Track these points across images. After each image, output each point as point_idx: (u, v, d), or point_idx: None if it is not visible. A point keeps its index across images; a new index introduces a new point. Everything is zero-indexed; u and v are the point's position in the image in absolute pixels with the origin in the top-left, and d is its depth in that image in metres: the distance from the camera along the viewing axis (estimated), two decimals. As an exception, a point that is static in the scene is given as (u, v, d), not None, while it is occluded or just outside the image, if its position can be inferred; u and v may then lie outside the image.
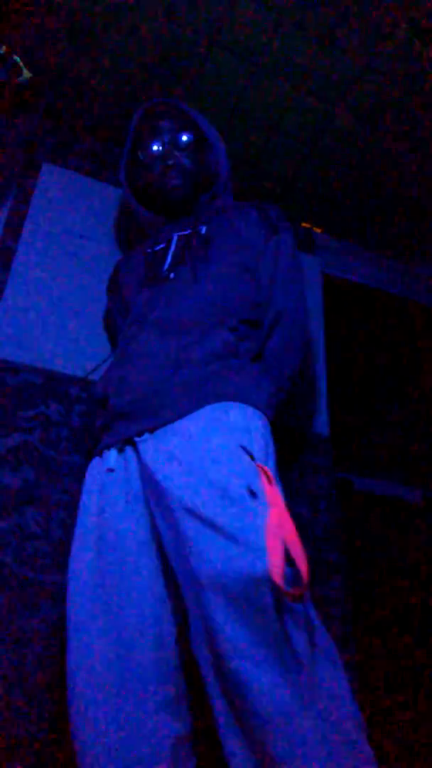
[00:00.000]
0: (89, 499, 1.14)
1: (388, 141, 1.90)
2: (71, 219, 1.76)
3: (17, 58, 1.40)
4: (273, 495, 0.92)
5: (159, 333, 1.20)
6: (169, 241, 1.37)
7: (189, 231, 1.36)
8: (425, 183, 2.05)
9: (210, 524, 0.89)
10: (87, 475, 1.20)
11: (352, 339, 2.20)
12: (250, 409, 1.07)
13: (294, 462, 1.74)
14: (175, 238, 1.37)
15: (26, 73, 1.42)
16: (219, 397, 1.07)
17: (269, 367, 1.26)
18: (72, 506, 1.42)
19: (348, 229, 2.28)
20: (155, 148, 1.41)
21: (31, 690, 1.23)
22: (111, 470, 1.13)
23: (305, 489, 1.72)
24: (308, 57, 1.65)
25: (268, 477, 0.94)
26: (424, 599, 1.78)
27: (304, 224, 2.25)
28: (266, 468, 0.96)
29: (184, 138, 1.41)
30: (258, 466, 0.96)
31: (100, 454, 1.18)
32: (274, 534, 0.85)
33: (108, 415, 1.17)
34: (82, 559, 1.06)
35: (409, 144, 1.91)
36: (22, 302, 1.59)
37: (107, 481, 1.13)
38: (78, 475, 1.46)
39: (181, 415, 1.07)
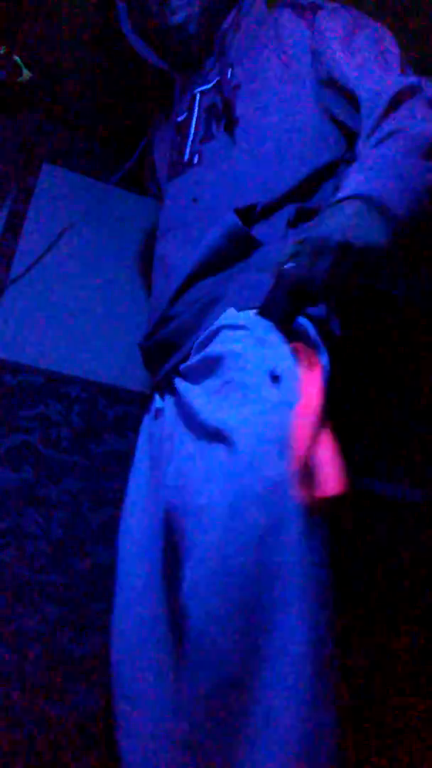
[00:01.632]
0: (140, 455, 1.01)
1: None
2: (71, 219, 1.76)
3: (17, 58, 1.40)
4: (310, 382, 0.67)
5: (180, 242, 0.95)
6: (192, 104, 1.04)
7: (214, 82, 1.00)
8: (425, 183, 2.05)
9: (211, 433, 0.70)
10: (140, 431, 1.06)
11: (351, 339, 2.19)
12: None
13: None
14: (198, 97, 1.03)
15: (26, 73, 1.42)
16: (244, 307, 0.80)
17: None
18: (72, 506, 1.42)
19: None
20: None
21: (31, 690, 1.23)
22: (160, 412, 0.96)
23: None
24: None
25: (309, 359, 0.70)
26: (425, 599, 1.78)
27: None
28: (304, 347, 0.70)
29: None
30: (294, 345, 0.71)
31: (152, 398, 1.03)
32: (301, 434, 0.62)
33: (146, 346, 1.02)
34: (135, 512, 0.94)
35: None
36: (22, 302, 1.59)
37: (154, 428, 0.98)
38: (78, 475, 1.46)
39: (204, 343, 0.85)
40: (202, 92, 1.02)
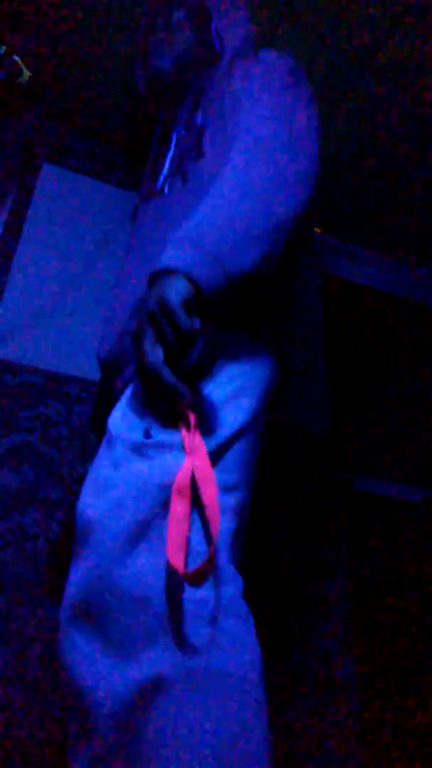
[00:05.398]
0: None
1: (387, 141, 1.90)
2: (71, 219, 1.76)
3: (17, 58, 1.40)
4: (190, 442, 0.74)
5: (135, 264, 1.01)
6: (167, 142, 1.15)
7: (185, 125, 1.12)
8: (425, 183, 2.05)
9: (98, 482, 0.79)
10: None
11: (351, 339, 2.20)
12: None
13: (294, 462, 1.74)
14: (174, 137, 1.14)
15: (26, 73, 1.42)
16: None
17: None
18: (72, 506, 1.42)
19: (348, 229, 2.28)
20: (151, 35, 1.23)
21: (31, 690, 1.23)
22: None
23: (304, 489, 1.72)
24: (308, 57, 1.65)
25: (187, 422, 0.75)
26: (424, 599, 1.78)
27: (304, 224, 2.24)
28: (189, 413, 0.75)
29: (175, 15, 1.20)
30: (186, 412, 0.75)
31: None
32: (180, 492, 0.70)
33: (106, 360, 1.03)
34: None
35: (408, 144, 1.91)
36: (22, 302, 1.59)
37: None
38: (78, 475, 1.46)
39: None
40: (177, 132, 1.14)
